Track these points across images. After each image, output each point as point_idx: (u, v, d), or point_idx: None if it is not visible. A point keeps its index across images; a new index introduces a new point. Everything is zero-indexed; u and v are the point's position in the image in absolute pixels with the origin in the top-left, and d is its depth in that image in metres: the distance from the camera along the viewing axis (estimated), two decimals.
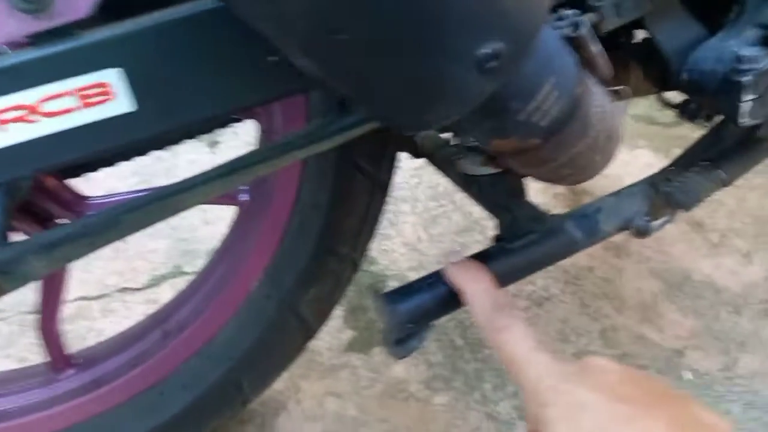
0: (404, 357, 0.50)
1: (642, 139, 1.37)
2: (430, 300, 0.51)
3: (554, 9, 0.48)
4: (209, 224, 1.18)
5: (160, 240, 1.14)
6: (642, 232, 0.55)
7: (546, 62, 0.33)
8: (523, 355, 0.42)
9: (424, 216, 1.18)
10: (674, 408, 0.35)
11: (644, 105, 1.40)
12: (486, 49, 0.28)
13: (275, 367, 0.69)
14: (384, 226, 1.16)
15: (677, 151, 1.30)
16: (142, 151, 0.57)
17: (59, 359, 0.66)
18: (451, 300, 0.52)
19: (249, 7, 0.26)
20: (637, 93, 0.67)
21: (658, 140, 1.37)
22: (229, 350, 0.65)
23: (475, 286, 0.48)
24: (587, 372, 0.39)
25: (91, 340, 0.95)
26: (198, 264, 1.09)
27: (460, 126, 0.36)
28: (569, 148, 0.37)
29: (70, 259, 0.47)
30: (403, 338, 0.51)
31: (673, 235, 1.10)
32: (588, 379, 0.38)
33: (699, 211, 1.17)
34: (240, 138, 1.42)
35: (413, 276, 1.04)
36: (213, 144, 1.41)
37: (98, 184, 1.30)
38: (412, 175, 1.27)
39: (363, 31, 0.26)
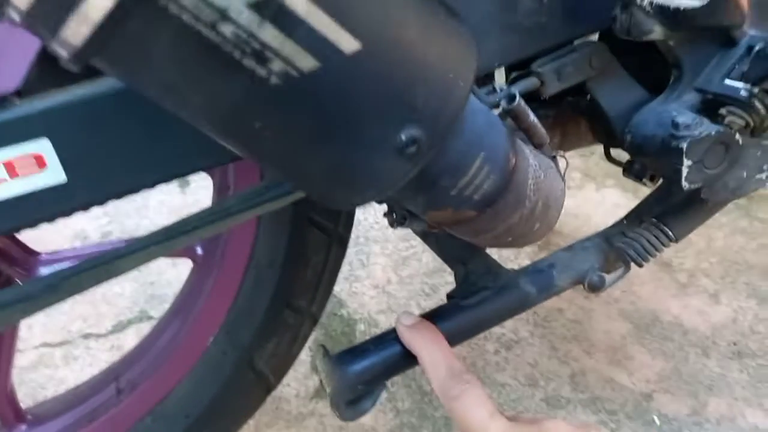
0: (355, 419, 0.49)
1: (610, 179, 1.39)
2: (382, 360, 0.51)
3: (507, 74, 0.49)
4: (176, 266, 1.16)
5: (126, 283, 1.12)
6: (596, 287, 0.56)
7: (475, 139, 0.33)
8: (479, 422, 0.42)
9: (394, 257, 1.17)
10: None
11: None
12: (404, 136, 0.28)
13: (234, 422, 0.68)
14: (354, 267, 1.16)
15: (645, 190, 1.33)
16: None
17: (11, 416, 0.64)
18: (405, 360, 0.51)
19: (160, 99, 0.26)
20: (588, 144, 0.68)
21: (626, 180, 1.38)
22: (184, 408, 0.63)
23: (430, 352, 0.47)
24: (541, 424, 0.39)
25: (52, 390, 0.93)
26: (165, 308, 1.07)
27: (396, 199, 0.37)
28: (505, 219, 0.37)
29: (10, 322, 0.47)
30: (354, 400, 0.50)
31: (642, 275, 1.11)
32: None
33: (667, 251, 1.18)
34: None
35: (382, 319, 1.04)
36: (184, 184, 1.40)
37: (68, 225, 1.30)
38: (384, 215, 1.27)
39: (277, 121, 0.26)
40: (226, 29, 0.23)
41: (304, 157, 0.28)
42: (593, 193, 1.35)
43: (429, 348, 0.47)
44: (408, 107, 0.28)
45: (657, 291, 1.08)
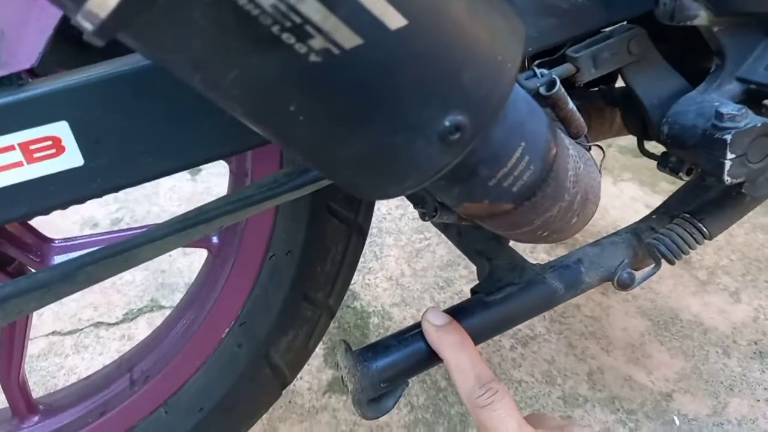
0: (377, 418, 0.48)
1: (628, 172, 1.37)
2: (405, 357, 0.49)
3: (530, 61, 0.47)
4: (188, 255, 1.15)
5: (137, 272, 1.11)
6: (625, 285, 0.54)
7: (516, 128, 0.32)
8: None
9: (407, 249, 1.16)
10: None
11: (630, 137, 1.39)
12: (448, 122, 0.26)
13: (248, 417, 0.67)
14: (368, 260, 1.15)
15: (663, 185, 1.31)
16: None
17: (23, 406, 0.63)
18: (429, 358, 0.49)
19: (190, 77, 0.24)
20: (620, 134, 0.66)
21: (644, 173, 1.36)
22: (198, 401, 0.62)
23: (458, 357, 0.45)
24: None
25: (62, 379, 0.92)
26: (176, 298, 1.06)
27: (429, 189, 0.35)
28: (543, 212, 0.36)
29: (25, 312, 0.45)
30: (376, 398, 0.49)
31: (661, 272, 1.08)
32: None
33: None
34: (223, 165, 1.41)
35: (396, 312, 1.02)
36: (195, 171, 1.39)
37: (77, 212, 1.29)
38: (397, 207, 1.25)
39: (314, 103, 0.25)
40: (265, 1, 0.21)
41: (340, 144, 0.27)
42: (610, 187, 1.33)
43: (457, 352, 0.46)
44: (454, 91, 0.26)
45: (676, 288, 1.06)
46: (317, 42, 0.22)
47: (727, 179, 0.43)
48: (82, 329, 1.01)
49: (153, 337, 0.67)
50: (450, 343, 0.46)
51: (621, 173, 1.37)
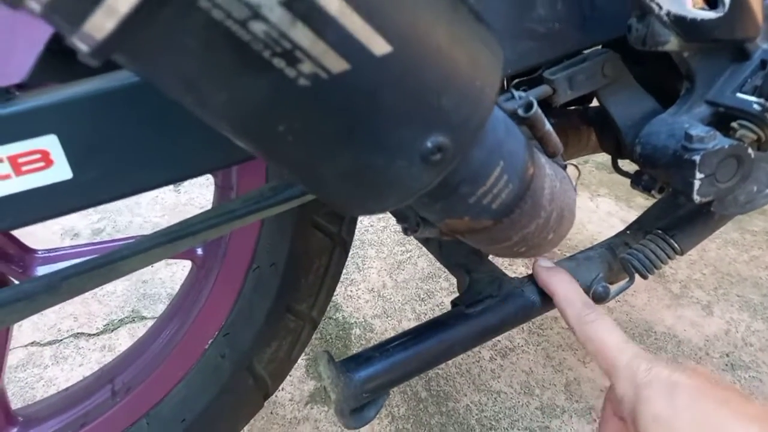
0: (359, 428, 0.49)
1: (604, 188, 1.40)
2: (387, 368, 0.50)
3: (509, 82, 0.48)
4: (170, 265, 1.15)
5: (118, 282, 1.11)
6: (600, 298, 0.55)
7: (495, 148, 0.33)
8: (615, 344, 0.45)
9: (389, 261, 1.17)
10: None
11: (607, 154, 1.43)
12: (430, 143, 0.27)
13: (230, 428, 0.67)
14: (350, 271, 1.15)
15: (639, 200, 1.34)
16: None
17: (1, 417, 0.63)
18: (410, 368, 0.51)
19: (181, 97, 0.25)
20: (597, 151, 0.68)
21: (619, 189, 1.39)
22: (180, 412, 0.62)
23: (565, 288, 0.51)
24: (678, 363, 0.42)
25: (41, 390, 0.91)
26: (158, 308, 1.06)
27: (412, 205, 0.36)
28: (521, 229, 0.37)
29: (7, 323, 0.45)
30: (359, 408, 0.49)
31: (636, 286, 1.11)
32: (681, 366, 0.41)
33: None
34: (206, 176, 1.41)
35: (377, 324, 1.03)
36: (177, 183, 1.39)
37: (58, 221, 1.28)
38: (379, 219, 1.27)
39: (302, 124, 0.26)
40: (257, 27, 0.22)
41: (326, 162, 0.28)
42: (587, 202, 1.36)
43: (564, 285, 0.52)
44: (436, 114, 0.27)
45: (651, 301, 1.09)
46: (306, 66, 0.24)
47: (697, 198, 0.45)
48: (61, 340, 1.00)
49: (135, 347, 0.67)
50: (558, 278, 0.52)
51: (597, 189, 1.40)
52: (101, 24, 0.22)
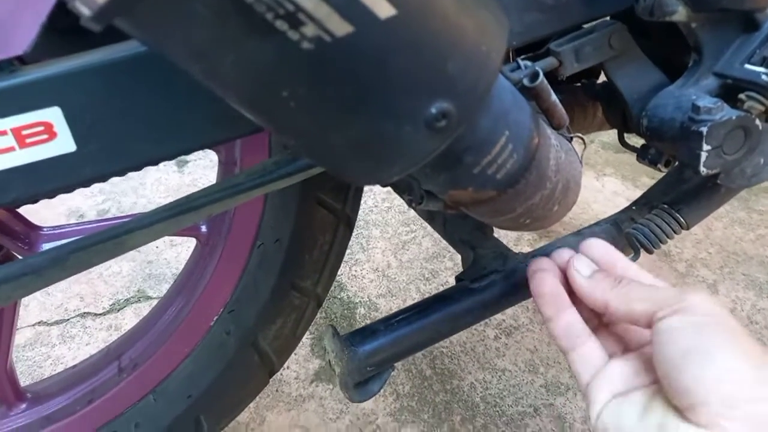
0: (364, 401, 0.49)
1: (610, 167, 1.39)
2: (392, 341, 0.50)
3: (515, 55, 0.48)
4: (175, 246, 1.15)
5: (124, 262, 1.11)
6: None
7: (500, 117, 0.33)
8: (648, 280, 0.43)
9: (394, 241, 1.17)
10: None
11: (612, 133, 1.42)
12: (434, 110, 0.27)
13: (236, 404, 0.67)
14: (354, 251, 1.15)
15: (645, 179, 1.33)
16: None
17: (10, 394, 0.64)
18: (414, 342, 0.51)
19: (186, 63, 0.25)
20: (602, 128, 0.67)
21: (625, 168, 1.38)
22: (186, 388, 0.63)
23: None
24: None
25: (48, 369, 0.92)
26: (162, 289, 1.06)
27: (416, 177, 0.36)
28: (526, 200, 0.37)
29: (13, 298, 0.46)
30: (363, 382, 0.50)
31: (641, 264, 1.10)
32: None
33: None
34: (210, 157, 1.41)
35: (382, 303, 1.03)
36: (181, 163, 1.39)
37: (63, 202, 1.28)
38: (384, 199, 1.26)
39: (306, 89, 0.25)
40: None
41: (330, 129, 0.27)
42: (593, 181, 1.35)
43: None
44: (441, 79, 0.27)
45: None
46: (310, 29, 0.23)
47: (703, 170, 0.44)
48: (68, 319, 1.01)
49: (141, 324, 0.67)
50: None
51: (603, 168, 1.40)
52: None
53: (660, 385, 0.38)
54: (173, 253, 1.14)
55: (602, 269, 0.44)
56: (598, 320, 0.45)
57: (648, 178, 1.33)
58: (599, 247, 0.45)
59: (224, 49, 0.24)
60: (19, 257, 0.58)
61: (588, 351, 0.42)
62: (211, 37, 0.23)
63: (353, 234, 1.20)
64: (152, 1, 0.22)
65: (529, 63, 0.39)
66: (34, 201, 0.46)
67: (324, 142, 0.28)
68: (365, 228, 1.21)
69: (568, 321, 0.43)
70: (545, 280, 0.44)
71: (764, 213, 1.25)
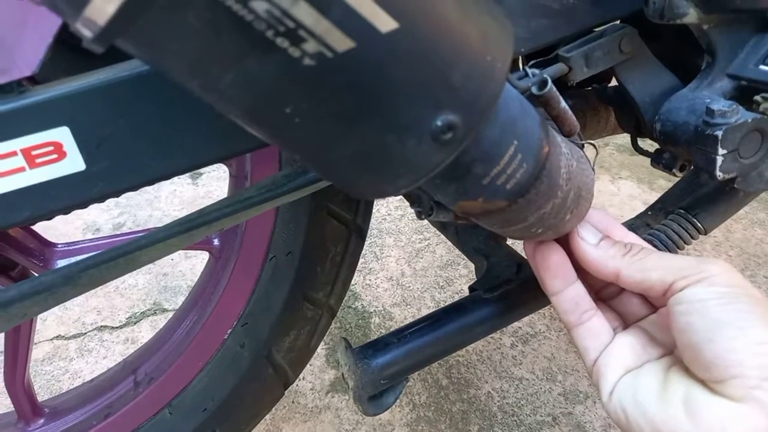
0: (378, 414, 0.49)
1: (625, 170, 1.37)
2: (405, 354, 0.50)
3: (525, 62, 0.47)
4: (190, 258, 1.16)
5: (139, 275, 1.12)
6: None
7: (508, 126, 0.32)
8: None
9: (407, 249, 1.16)
10: None
11: (627, 135, 1.41)
12: (440, 122, 0.27)
13: (252, 416, 0.67)
14: (368, 260, 1.15)
15: (661, 182, 1.31)
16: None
17: (28, 409, 0.64)
18: (428, 354, 0.50)
19: (187, 81, 0.25)
20: (616, 132, 0.66)
21: (641, 171, 1.37)
22: (202, 401, 0.63)
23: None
24: None
25: (66, 383, 0.93)
26: (178, 301, 1.07)
27: (425, 188, 0.35)
28: (537, 209, 0.36)
29: (29, 316, 0.46)
30: (377, 395, 0.49)
31: None
32: None
33: None
34: (223, 168, 1.41)
35: (397, 312, 1.03)
36: (196, 175, 1.40)
37: (79, 217, 1.30)
38: (397, 207, 1.26)
39: (309, 105, 0.25)
40: (259, 6, 0.22)
41: (335, 144, 0.27)
42: (608, 185, 1.34)
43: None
44: (445, 91, 0.26)
45: None
46: (310, 46, 0.23)
47: (720, 175, 0.43)
48: (86, 333, 1.01)
49: (156, 339, 0.68)
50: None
51: (619, 171, 1.38)
52: (102, 8, 0.22)
53: (672, 357, 0.37)
54: (188, 265, 1.15)
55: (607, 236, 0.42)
56: (596, 296, 0.44)
57: (664, 180, 1.31)
58: (594, 216, 0.43)
59: (226, 68, 0.24)
60: (35, 274, 0.59)
61: (595, 325, 0.41)
62: (213, 57, 0.23)
63: (367, 243, 1.20)
64: (151, 20, 0.22)
65: (537, 71, 0.39)
66: (48, 218, 0.47)
67: (329, 157, 0.28)
68: (379, 237, 1.20)
69: (575, 294, 0.42)
70: (550, 251, 0.43)
71: None
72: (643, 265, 0.38)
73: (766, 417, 0.30)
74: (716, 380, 0.32)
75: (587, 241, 0.41)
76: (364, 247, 1.17)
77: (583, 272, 0.43)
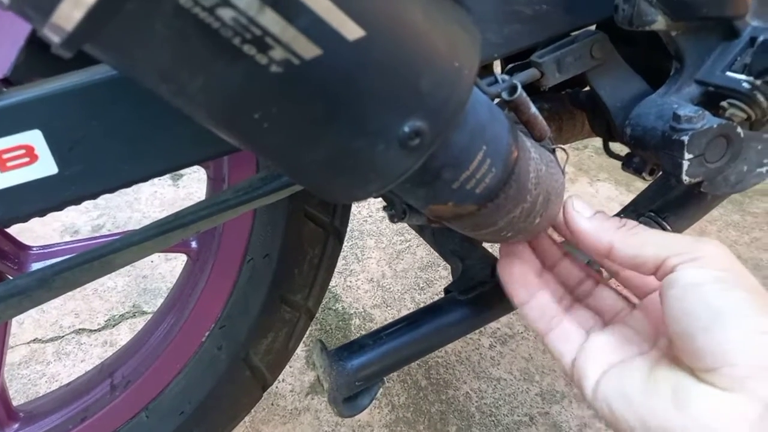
0: (353, 416, 0.49)
1: (603, 172, 1.39)
2: (380, 356, 0.50)
3: (503, 66, 0.48)
4: (170, 260, 1.15)
5: (118, 278, 1.11)
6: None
7: (477, 132, 0.33)
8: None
9: (388, 251, 1.17)
10: None
11: None
12: (407, 128, 0.27)
13: (230, 419, 0.67)
14: (349, 262, 1.15)
15: (638, 185, 1.33)
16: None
17: (2, 414, 0.64)
18: (403, 356, 0.51)
19: (156, 87, 0.25)
20: (592, 135, 0.67)
21: (619, 173, 1.39)
22: (179, 404, 0.62)
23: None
24: None
25: (43, 387, 0.92)
26: (158, 303, 1.06)
27: (396, 192, 0.36)
28: (507, 213, 0.37)
29: (3, 319, 0.46)
30: (352, 396, 0.50)
31: None
32: None
33: None
34: (204, 170, 1.41)
35: (377, 314, 1.03)
36: (176, 177, 1.39)
37: (57, 219, 1.28)
38: (378, 209, 1.26)
39: (277, 111, 0.26)
40: (226, 14, 0.22)
41: (304, 150, 0.28)
42: (586, 187, 1.35)
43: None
44: (412, 98, 0.27)
45: None
46: (277, 53, 0.23)
47: (686, 179, 0.44)
48: (63, 336, 1.00)
49: (134, 342, 0.67)
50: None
51: (597, 173, 1.40)
52: (69, 14, 0.22)
53: (657, 350, 0.37)
54: (168, 267, 1.14)
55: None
56: (569, 299, 0.44)
57: (642, 183, 1.33)
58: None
59: (194, 74, 0.24)
60: (9, 277, 0.58)
61: (565, 329, 0.41)
62: (181, 64, 0.24)
63: (348, 245, 1.20)
64: (118, 27, 0.22)
65: (506, 77, 0.39)
66: (23, 221, 0.46)
67: (299, 161, 0.29)
68: (360, 238, 1.21)
69: (542, 302, 0.43)
70: (512, 263, 0.43)
71: (758, 216, 1.25)
72: (637, 239, 0.38)
73: (758, 407, 0.29)
74: (707, 369, 0.31)
75: (581, 214, 0.41)
76: (345, 248, 1.17)
77: (556, 269, 0.44)
